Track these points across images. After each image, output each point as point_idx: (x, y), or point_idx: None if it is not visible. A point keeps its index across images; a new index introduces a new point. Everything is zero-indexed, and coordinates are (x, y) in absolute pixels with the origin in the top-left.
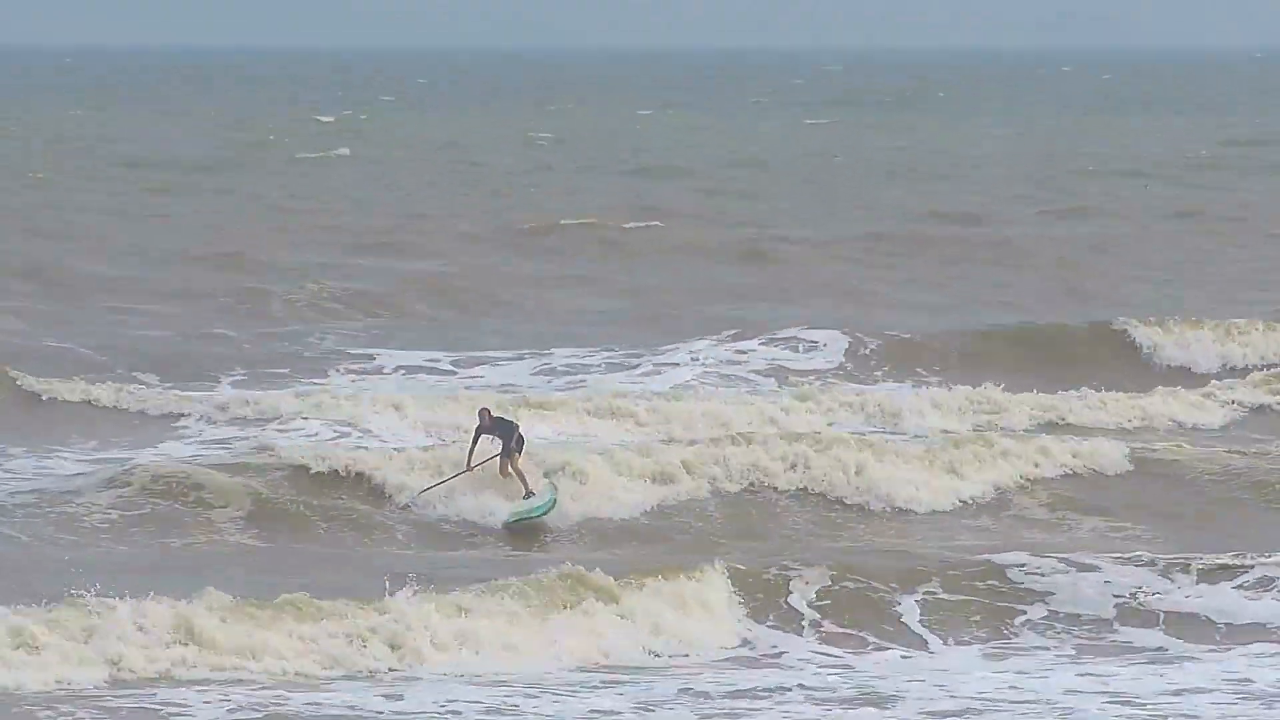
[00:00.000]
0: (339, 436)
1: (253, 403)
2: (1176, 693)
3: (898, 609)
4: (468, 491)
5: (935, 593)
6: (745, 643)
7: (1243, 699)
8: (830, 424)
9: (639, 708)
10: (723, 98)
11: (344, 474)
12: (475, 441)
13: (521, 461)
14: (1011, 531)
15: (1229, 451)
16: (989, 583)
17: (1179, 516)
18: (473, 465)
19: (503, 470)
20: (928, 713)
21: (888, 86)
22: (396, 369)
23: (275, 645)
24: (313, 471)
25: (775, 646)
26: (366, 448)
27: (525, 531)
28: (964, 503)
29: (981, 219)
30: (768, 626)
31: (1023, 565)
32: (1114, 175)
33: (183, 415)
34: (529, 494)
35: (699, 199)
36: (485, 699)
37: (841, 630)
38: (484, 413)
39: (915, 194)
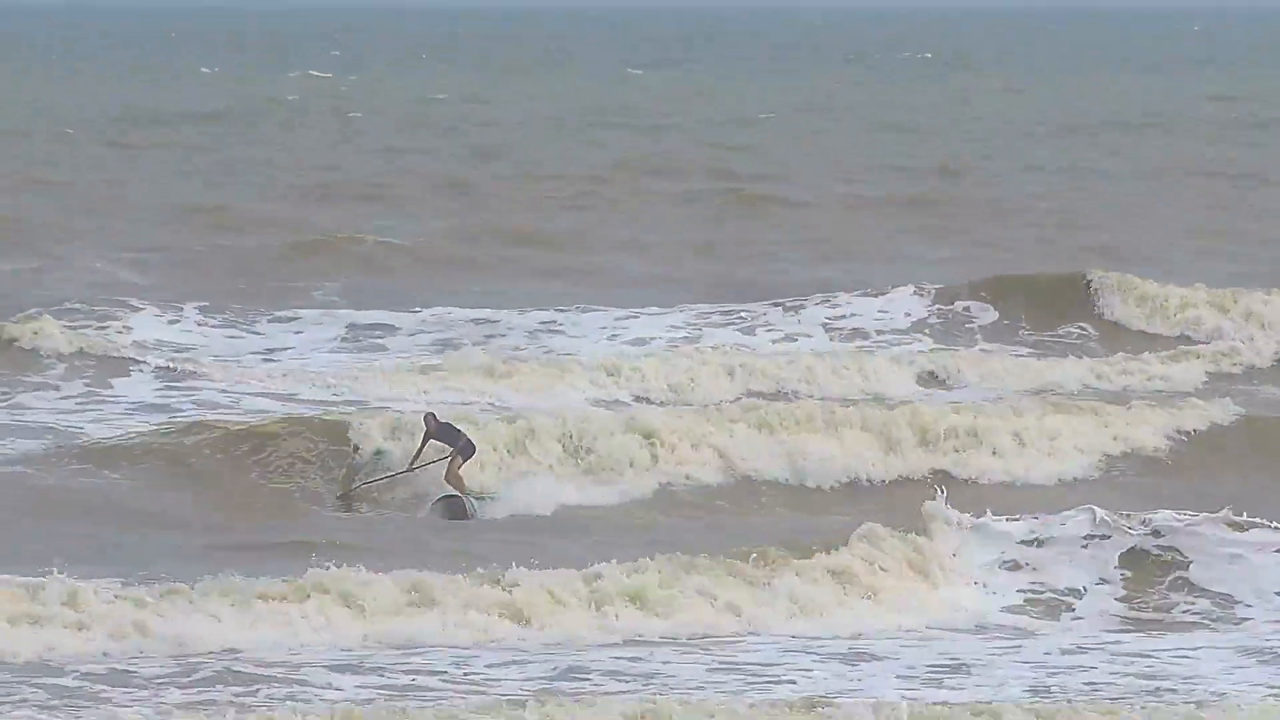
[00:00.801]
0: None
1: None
2: None
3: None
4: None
5: None
6: None
7: None
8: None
9: None
10: (712, 56)
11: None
12: (422, 447)
13: (464, 468)
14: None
15: None
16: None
17: None
18: (414, 466)
19: (447, 475)
20: None
21: (875, 43)
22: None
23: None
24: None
25: None
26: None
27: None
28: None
29: (985, 175)
30: None
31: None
32: (1109, 130)
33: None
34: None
35: (707, 155)
36: None
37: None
38: (429, 418)
39: (919, 150)
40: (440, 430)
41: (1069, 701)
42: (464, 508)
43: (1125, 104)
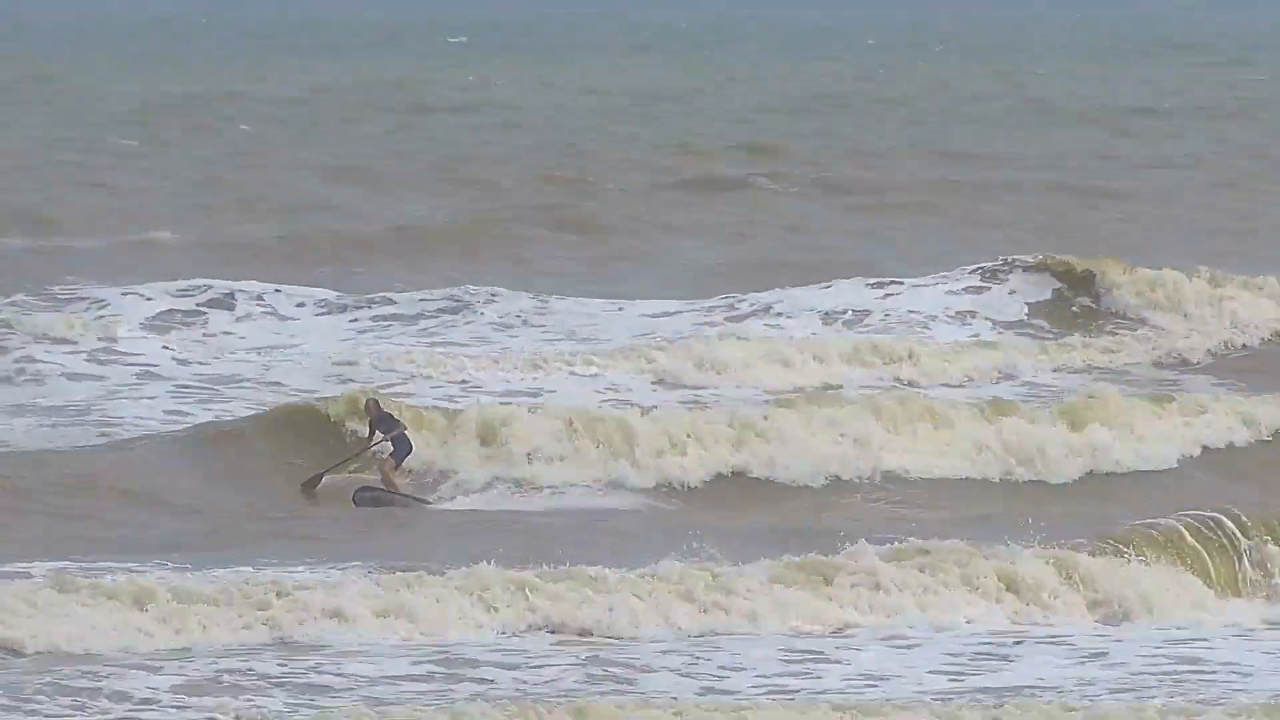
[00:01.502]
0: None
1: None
2: None
3: None
4: None
5: None
6: None
7: None
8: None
9: None
10: (734, 41)
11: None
12: (372, 432)
13: (399, 471)
14: None
15: None
16: None
17: None
18: (367, 448)
19: (384, 479)
20: None
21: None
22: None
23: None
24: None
25: None
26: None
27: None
28: None
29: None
30: None
31: None
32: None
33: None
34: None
35: (736, 140)
36: None
37: None
38: (371, 404)
39: (932, 135)
40: (379, 418)
41: None
42: (388, 499)
43: (1150, 90)
